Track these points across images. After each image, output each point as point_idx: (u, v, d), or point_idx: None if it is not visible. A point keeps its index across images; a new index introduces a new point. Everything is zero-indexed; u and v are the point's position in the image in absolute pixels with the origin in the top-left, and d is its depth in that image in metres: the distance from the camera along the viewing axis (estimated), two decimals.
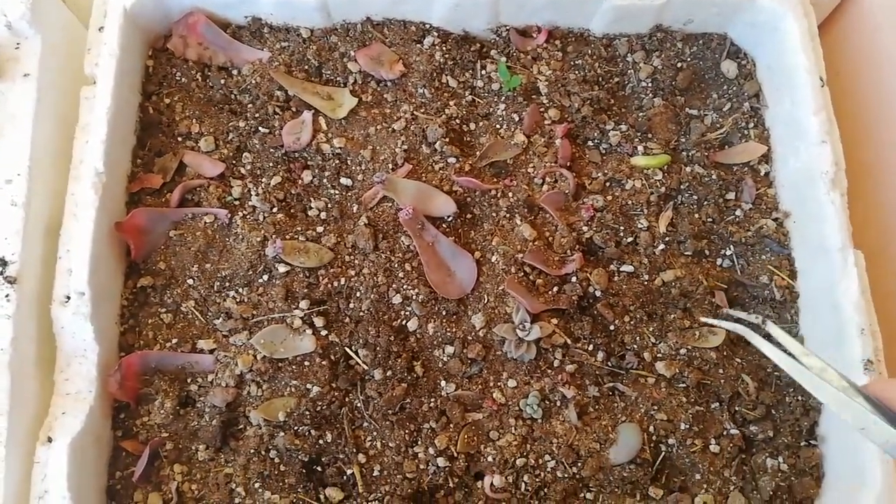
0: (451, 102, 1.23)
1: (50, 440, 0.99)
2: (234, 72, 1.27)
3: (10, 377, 0.97)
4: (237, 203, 1.18)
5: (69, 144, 1.11)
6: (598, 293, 1.14)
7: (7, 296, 1.01)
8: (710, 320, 1.01)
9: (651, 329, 1.15)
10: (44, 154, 1.09)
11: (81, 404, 1.02)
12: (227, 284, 1.14)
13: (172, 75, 1.25)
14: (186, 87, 1.25)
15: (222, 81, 1.26)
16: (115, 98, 1.14)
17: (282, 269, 1.12)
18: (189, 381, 1.10)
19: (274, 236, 1.10)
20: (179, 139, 1.22)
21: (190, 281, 1.14)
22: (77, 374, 1.04)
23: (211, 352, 1.11)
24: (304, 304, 1.11)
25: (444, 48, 1.25)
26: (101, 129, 1.12)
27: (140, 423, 1.08)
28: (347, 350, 1.10)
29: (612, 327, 1.14)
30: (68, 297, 1.05)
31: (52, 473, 0.97)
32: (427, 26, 1.26)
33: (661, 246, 1.19)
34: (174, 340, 1.12)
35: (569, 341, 1.11)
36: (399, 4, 1.24)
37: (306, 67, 1.26)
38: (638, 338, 1.14)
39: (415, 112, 1.23)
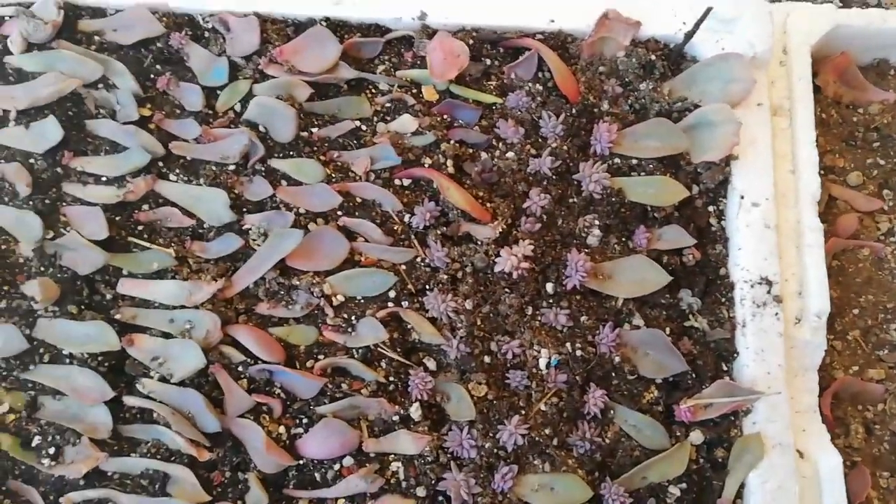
0: None
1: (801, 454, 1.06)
2: (860, 110, 1.33)
3: (787, 392, 1.03)
4: (882, 238, 1.25)
5: None
6: None
7: (776, 314, 1.07)
8: None
9: None
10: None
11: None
12: (890, 317, 1.21)
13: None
14: (825, 122, 1.31)
15: (854, 119, 1.32)
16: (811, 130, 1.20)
17: None
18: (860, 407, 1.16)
19: None
20: (822, 172, 1.27)
21: (856, 311, 1.21)
22: (800, 391, 1.11)
23: (880, 381, 1.18)
24: None
25: None
26: (811, 156, 1.17)
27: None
28: None
29: None
30: (798, 319, 1.11)
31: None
32: None
33: None
34: (853, 368, 1.18)
35: None
36: None
37: None
38: None
39: None
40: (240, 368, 1.00)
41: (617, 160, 1.06)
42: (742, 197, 1.06)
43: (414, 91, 1.14)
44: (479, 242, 1.04)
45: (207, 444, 0.96)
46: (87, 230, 1.07)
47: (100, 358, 1.01)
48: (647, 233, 1.05)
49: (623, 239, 1.06)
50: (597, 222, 1.05)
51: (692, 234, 1.05)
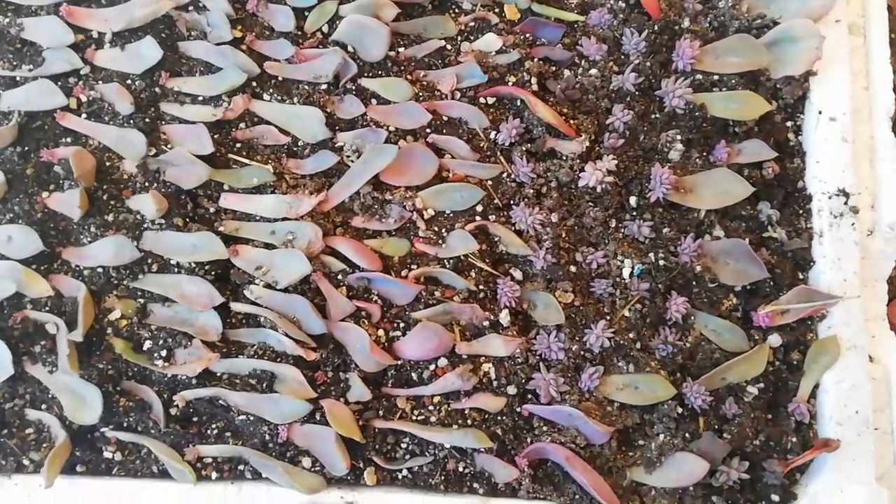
0: None
1: None
2: None
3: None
4: None
5: None
6: None
7: (852, 224, 1.10)
8: None
9: None
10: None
11: None
12: None
13: None
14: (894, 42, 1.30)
15: None
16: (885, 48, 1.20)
17: None
18: None
19: None
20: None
21: None
22: (870, 299, 1.14)
23: None
24: None
25: None
26: (886, 73, 1.18)
27: None
28: None
29: None
30: (870, 231, 1.14)
31: None
32: None
33: None
34: None
35: None
36: None
37: None
38: None
39: None
40: (339, 277, 1.03)
41: (698, 76, 1.06)
42: (820, 112, 1.07)
43: (496, 10, 1.14)
44: (564, 158, 1.06)
45: (313, 345, 1.00)
46: (191, 146, 1.10)
47: (206, 267, 1.04)
48: (728, 147, 1.05)
49: (704, 153, 1.06)
50: (679, 137, 1.05)
51: (771, 149, 1.05)
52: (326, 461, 0.98)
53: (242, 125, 1.08)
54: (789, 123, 1.10)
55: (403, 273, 1.03)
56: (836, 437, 0.97)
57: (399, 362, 1.00)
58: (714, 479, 0.96)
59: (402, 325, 1.02)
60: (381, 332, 1.01)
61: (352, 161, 1.06)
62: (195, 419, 1.00)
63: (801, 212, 1.07)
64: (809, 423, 0.99)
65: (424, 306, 1.01)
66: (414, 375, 1.01)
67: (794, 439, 0.99)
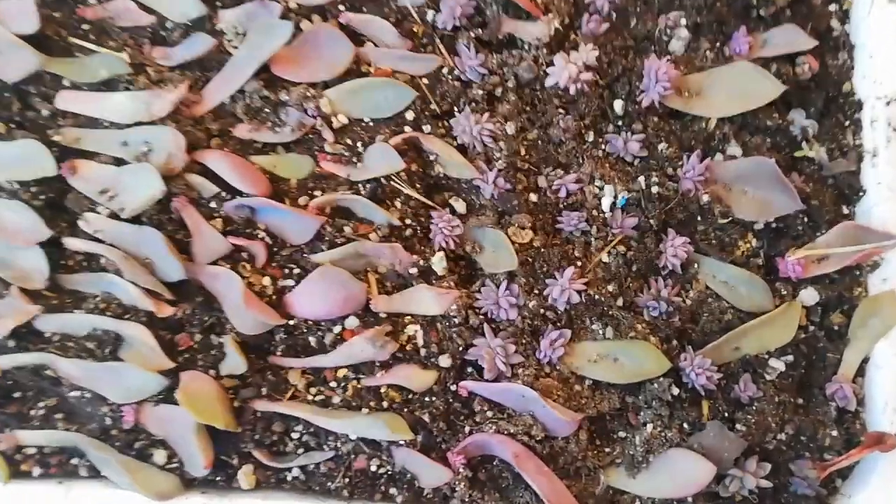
0: None
1: None
2: None
3: None
4: None
5: None
6: None
7: None
8: None
9: None
10: None
11: None
12: None
13: None
14: None
15: None
16: None
17: None
18: None
19: None
20: None
21: None
22: None
23: None
24: None
25: None
26: None
27: None
28: None
29: None
30: None
31: None
32: None
33: None
34: None
35: None
36: None
37: None
38: None
39: None
40: (212, 204, 0.82)
41: None
42: None
43: None
44: (526, 47, 0.85)
45: (170, 297, 0.79)
46: (14, 24, 0.84)
47: (33, 189, 0.82)
48: (749, 36, 0.85)
49: (717, 44, 0.86)
50: (684, 21, 0.85)
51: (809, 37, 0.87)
52: (185, 455, 0.78)
53: (93, 0, 0.88)
54: (833, 7, 0.90)
55: (302, 201, 0.83)
56: (893, 431, 0.78)
57: (291, 322, 0.80)
58: (723, 487, 0.77)
59: (296, 271, 0.82)
60: (266, 281, 0.81)
61: (235, 48, 0.85)
62: (15, 395, 0.80)
63: (847, 123, 0.88)
64: (855, 412, 0.81)
65: (329, 246, 0.81)
66: (312, 340, 0.80)
67: (835, 433, 0.80)
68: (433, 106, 0.85)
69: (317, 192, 0.83)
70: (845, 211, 0.86)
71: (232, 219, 0.82)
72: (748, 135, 0.85)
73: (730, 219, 0.82)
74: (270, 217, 0.82)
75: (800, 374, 0.81)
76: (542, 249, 0.81)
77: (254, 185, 0.81)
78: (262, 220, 0.82)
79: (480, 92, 0.84)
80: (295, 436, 0.80)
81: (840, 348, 0.82)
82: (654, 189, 0.81)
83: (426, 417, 0.78)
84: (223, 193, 0.82)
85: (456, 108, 0.84)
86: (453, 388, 0.79)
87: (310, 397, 0.80)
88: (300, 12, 0.87)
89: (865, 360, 0.82)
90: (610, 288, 0.80)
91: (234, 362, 0.78)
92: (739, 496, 0.77)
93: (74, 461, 0.80)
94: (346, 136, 0.85)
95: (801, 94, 0.88)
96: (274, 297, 0.80)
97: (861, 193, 0.86)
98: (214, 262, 0.80)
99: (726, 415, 0.80)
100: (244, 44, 0.85)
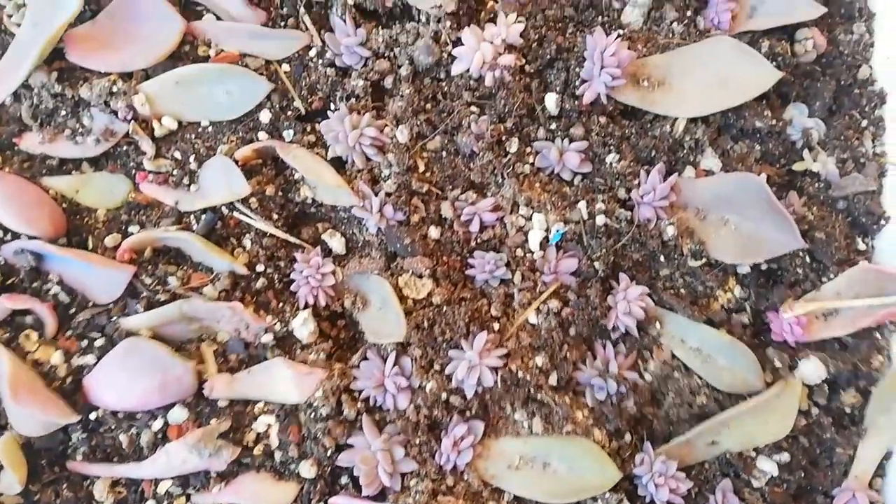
0: None
1: None
2: None
3: None
4: None
5: None
6: None
7: None
8: None
9: None
10: None
11: None
12: None
13: None
14: None
15: None
16: None
17: None
18: None
19: None
20: None
21: None
22: None
23: None
24: None
25: None
26: None
27: None
28: None
29: None
30: None
31: None
32: None
33: None
34: None
35: None
36: None
37: None
38: None
39: None
40: None
41: None
42: None
43: None
44: (424, 19, 0.67)
45: None
46: None
47: None
48: (733, 2, 0.67)
49: (688, 12, 0.69)
50: None
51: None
52: None
53: None
54: None
55: (111, 241, 0.65)
56: None
57: (93, 415, 0.61)
58: None
59: (99, 342, 0.63)
60: (57, 357, 0.62)
61: (17, 25, 0.66)
62: None
63: (864, 123, 0.71)
64: None
65: (146, 306, 0.63)
66: (122, 439, 0.61)
67: None
68: (297, 103, 0.67)
69: (132, 228, 0.65)
70: (861, 246, 0.69)
71: (13, 269, 0.63)
72: (730, 141, 0.68)
73: (704, 260, 0.65)
74: (65, 267, 0.63)
75: (798, 478, 0.65)
76: (446, 308, 0.63)
77: (39, 222, 0.62)
78: (55, 270, 0.64)
79: (362, 82, 0.66)
80: None
81: (853, 441, 0.67)
82: (601, 219, 0.63)
83: None
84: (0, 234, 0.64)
85: (330, 106, 0.67)
86: None
87: None
88: None
89: (887, 457, 0.66)
90: (539, 361, 0.62)
91: (7, 480, 0.56)
92: None
93: None
94: (172, 147, 0.66)
95: (803, 82, 0.71)
96: (69, 379, 0.62)
97: (883, 222, 0.69)
98: None
99: None
100: (27, 21, 0.64)
